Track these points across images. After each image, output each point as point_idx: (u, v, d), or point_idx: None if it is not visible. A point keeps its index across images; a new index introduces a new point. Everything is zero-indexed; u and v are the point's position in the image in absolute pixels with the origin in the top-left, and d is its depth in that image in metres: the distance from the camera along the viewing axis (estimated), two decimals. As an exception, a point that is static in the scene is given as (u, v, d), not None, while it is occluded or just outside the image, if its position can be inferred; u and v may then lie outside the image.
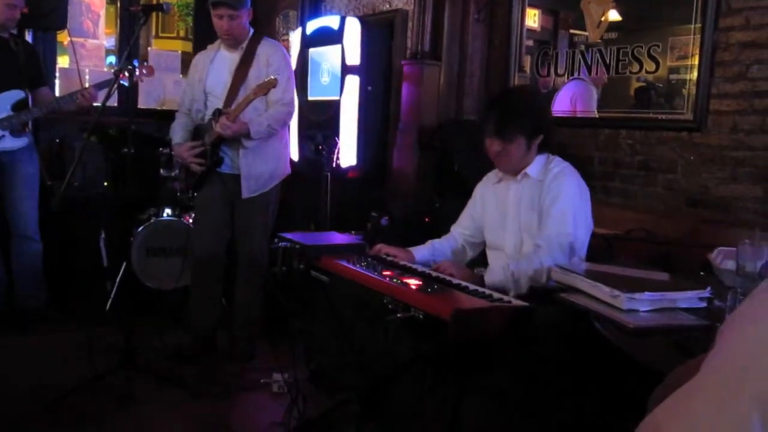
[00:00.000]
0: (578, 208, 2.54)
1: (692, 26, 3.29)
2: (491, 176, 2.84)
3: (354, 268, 2.42)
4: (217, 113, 3.62)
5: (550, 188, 2.55)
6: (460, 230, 2.92)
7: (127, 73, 3.52)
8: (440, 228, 3.22)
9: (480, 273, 2.51)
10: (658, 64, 3.46)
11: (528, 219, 2.61)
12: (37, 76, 4.13)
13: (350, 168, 4.61)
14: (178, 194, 4.38)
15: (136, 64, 3.63)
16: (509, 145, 2.59)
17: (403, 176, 4.46)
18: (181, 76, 5.88)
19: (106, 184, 4.80)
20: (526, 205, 2.62)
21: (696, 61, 3.28)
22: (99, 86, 3.94)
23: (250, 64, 3.67)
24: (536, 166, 2.64)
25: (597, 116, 3.77)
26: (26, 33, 4.80)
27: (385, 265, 2.50)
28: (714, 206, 3.24)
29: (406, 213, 4.23)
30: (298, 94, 4.81)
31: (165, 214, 4.49)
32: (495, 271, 2.47)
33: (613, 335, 1.79)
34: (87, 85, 4.93)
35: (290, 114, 3.79)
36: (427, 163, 4.32)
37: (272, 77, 3.46)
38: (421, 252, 2.81)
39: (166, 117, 4.83)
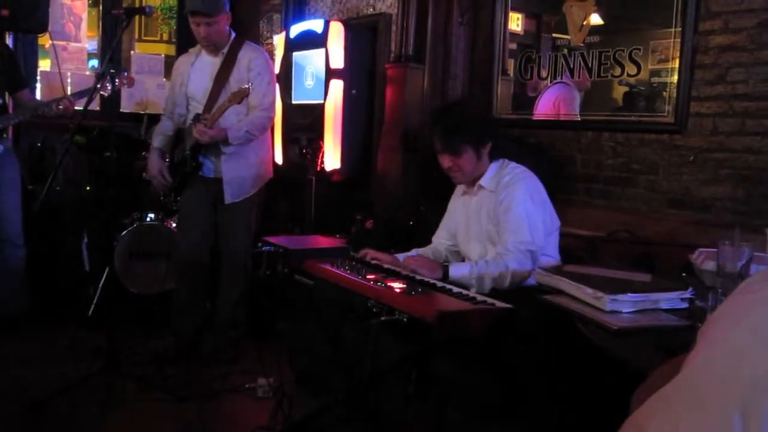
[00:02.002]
0: (531, 213, 2.59)
1: (673, 30, 3.30)
2: (460, 188, 2.91)
3: (338, 271, 2.43)
4: (197, 118, 3.61)
5: (502, 199, 2.62)
6: (440, 240, 2.98)
7: (108, 84, 3.50)
8: (425, 231, 3.26)
9: (445, 265, 2.56)
10: (639, 67, 3.47)
11: (489, 229, 2.67)
12: (17, 79, 4.08)
13: (334, 171, 4.60)
14: (161, 198, 4.35)
15: (116, 71, 3.59)
16: (458, 158, 2.67)
17: (388, 179, 4.45)
18: (164, 79, 5.86)
19: (88, 188, 4.76)
20: (485, 216, 2.69)
21: (677, 64, 3.30)
22: (78, 95, 3.90)
23: (231, 68, 3.66)
24: (489, 175, 2.72)
25: (579, 119, 3.80)
26: (7, 36, 4.74)
27: (369, 268, 2.51)
28: (695, 207, 3.26)
29: (391, 216, 4.22)
30: (282, 98, 4.83)
31: (148, 219, 4.46)
32: (461, 267, 2.53)
33: (596, 336, 1.80)
34: (69, 89, 4.93)
35: (270, 119, 3.79)
36: (411, 166, 4.32)
37: (245, 86, 3.45)
38: (400, 256, 2.84)
39: (149, 121, 4.83)
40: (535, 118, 4.02)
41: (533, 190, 2.65)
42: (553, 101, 3.94)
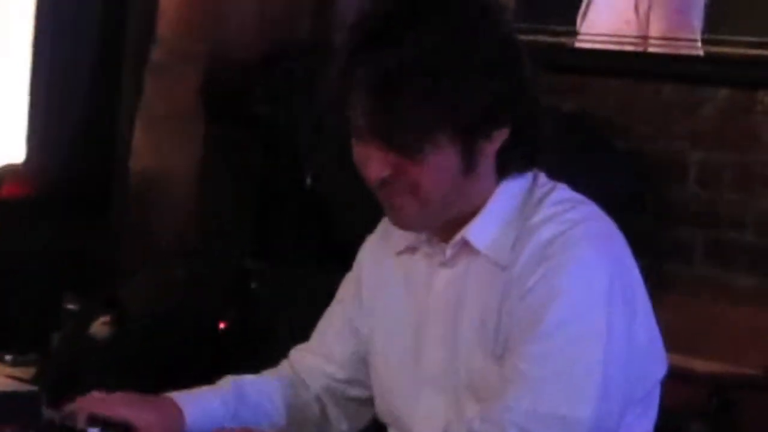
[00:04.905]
0: (610, 339, 2.22)
1: None
2: (387, 232, 2.61)
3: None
4: None
5: (532, 285, 2.32)
6: (316, 362, 2.72)
7: None
8: (262, 348, 3.67)
9: None
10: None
11: (478, 356, 2.45)
12: None
13: (10, 172, 4.61)
14: None
15: None
16: (412, 161, 2.27)
17: (162, 199, 4.58)
18: None
19: None
20: (472, 323, 2.45)
21: None
22: None
23: None
24: (495, 219, 2.41)
25: (702, 53, 4.02)
26: None
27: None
28: None
29: (158, 308, 4.35)
30: None
31: None
32: None
33: None
34: None
35: None
36: (229, 166, 4.40)
37: None
38: (199, 405, 2.49)
39: None
40: (579, 44, 4.31)
41: (617, 276, 2.27)
42: (633, 2, 4.21)
